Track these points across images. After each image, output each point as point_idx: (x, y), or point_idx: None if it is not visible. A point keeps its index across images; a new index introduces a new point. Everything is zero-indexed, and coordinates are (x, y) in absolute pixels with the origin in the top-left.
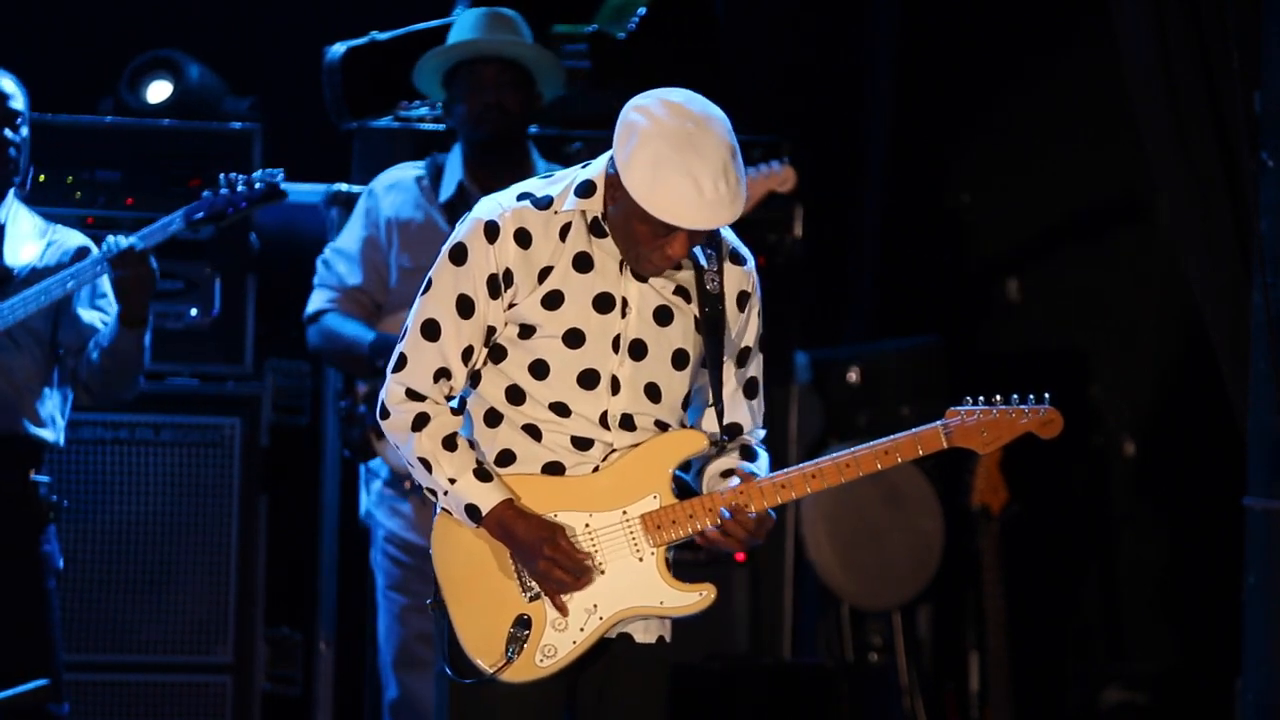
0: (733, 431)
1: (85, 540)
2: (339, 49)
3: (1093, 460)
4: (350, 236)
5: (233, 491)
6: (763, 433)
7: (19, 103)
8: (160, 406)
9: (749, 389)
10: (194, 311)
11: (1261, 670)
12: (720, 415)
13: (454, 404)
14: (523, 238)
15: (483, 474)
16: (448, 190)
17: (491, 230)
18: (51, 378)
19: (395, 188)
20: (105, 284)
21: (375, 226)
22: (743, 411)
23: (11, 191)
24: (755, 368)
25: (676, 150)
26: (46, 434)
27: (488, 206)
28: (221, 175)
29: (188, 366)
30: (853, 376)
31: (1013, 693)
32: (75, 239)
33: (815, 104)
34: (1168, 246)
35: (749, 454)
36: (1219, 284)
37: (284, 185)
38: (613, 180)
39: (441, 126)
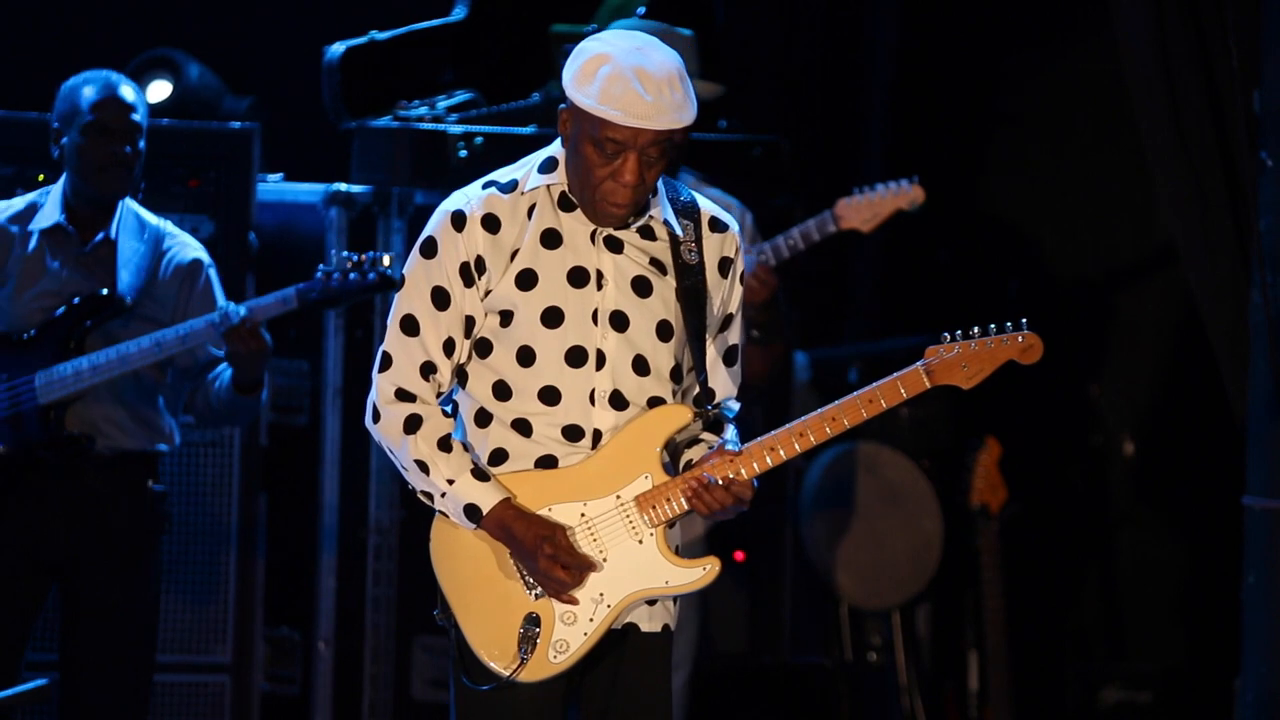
0: (707, 399)
1: None
2: (338, 49)
3: (1093, 460)
4: None
5: (233, 491)
6: (736, 406)
7: (139, 115)
8: None
9: (729, 356)
10: None
11: (1261, 670)
12: (703, 386)
13: (446, 407)
14: (490, 224)
15: (480, 474)
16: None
17: (459, 220)
18: (165, 381)
19: None
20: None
21: None
22: (720, 379)
23: (124, 200)
24: (736, 334)
25: (624, 58)
26: (162, 445)
27: (455, 198)
28: (333, 254)
29: None
30: (853, 376)
31: (1012, 692)
32: (189, 252)
33: (815, 104)
34: (1168, 246)
35: (715, 426)
36: (1219, 284)
37: (284, 184)
38: (564, 119)
39: (441, 126)
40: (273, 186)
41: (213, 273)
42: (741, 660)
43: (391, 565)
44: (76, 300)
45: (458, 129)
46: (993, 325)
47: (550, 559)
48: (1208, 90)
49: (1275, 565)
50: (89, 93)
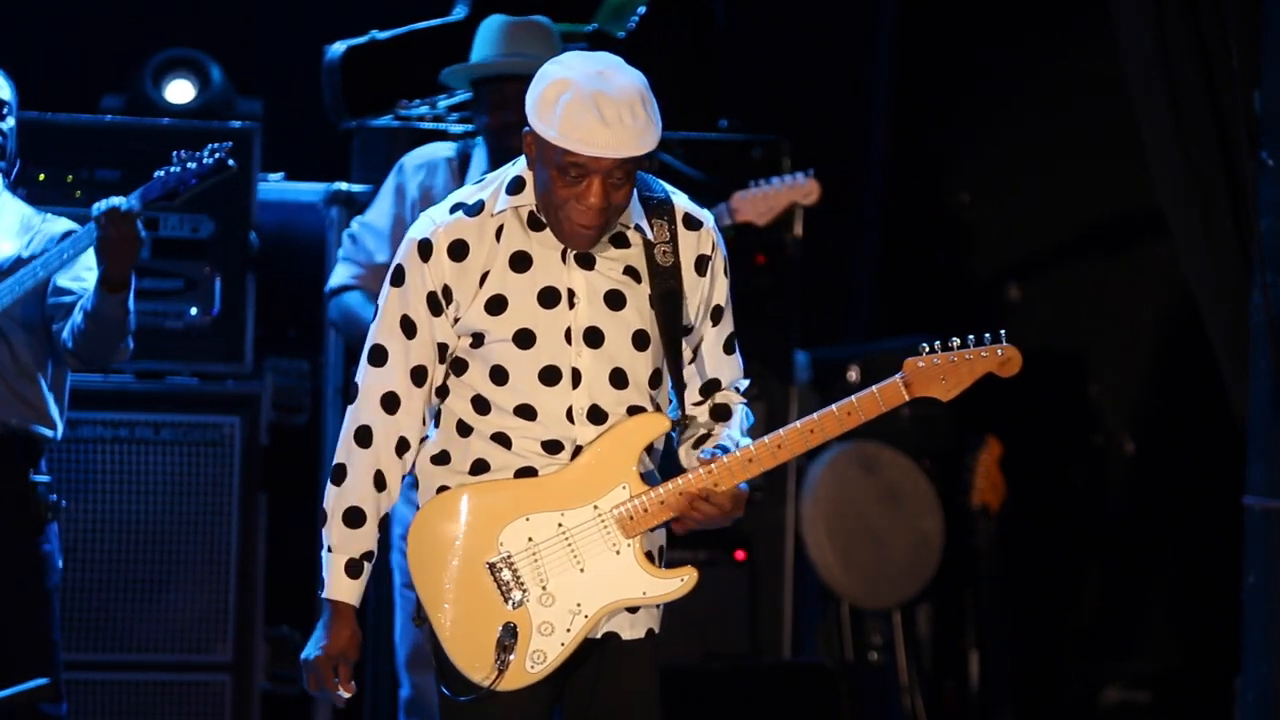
0: (712, 388)
1: (85, 539)
2: (339, 48)
3: (1093, 460)
4: (380, 212)
5: (233, 491)
6: (745, 383)
7: (5, 93)
8: (160, 406)
9: (728, 345)
10: (194, 311)
11: (1261, 670)
12: (681, 392)
13: (433, 424)
14: (457, 251)
15: (354, 570)
16: (472, 179)
17: (425, 248)
18: (46, 367)
19: (425, 166)
20: (85, 257)
21: (403, 204)
22: (724, 367)
23: (0, 182)
24: (730, 324)
25: (584, 84)
26: (44, 429)
27: (422, 224)
28: (174, 153)
29: (188, 366)
30: (853, 376)
31: (1012, 692)
32: (60, 225)
33: (815, 104)
34: (1168, 246)
35: (723, 412)
36: (1219, 284)
37: (285, 183)
38: (528, 143)
39: (442, 125)
40: (273, 186)
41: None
42: (741, 660)
43: None
44: None
45: (459, 128)
46: (971, 337)
47: (316, 671)
48: (1208, 90)
49: (1276, 565)
50: None
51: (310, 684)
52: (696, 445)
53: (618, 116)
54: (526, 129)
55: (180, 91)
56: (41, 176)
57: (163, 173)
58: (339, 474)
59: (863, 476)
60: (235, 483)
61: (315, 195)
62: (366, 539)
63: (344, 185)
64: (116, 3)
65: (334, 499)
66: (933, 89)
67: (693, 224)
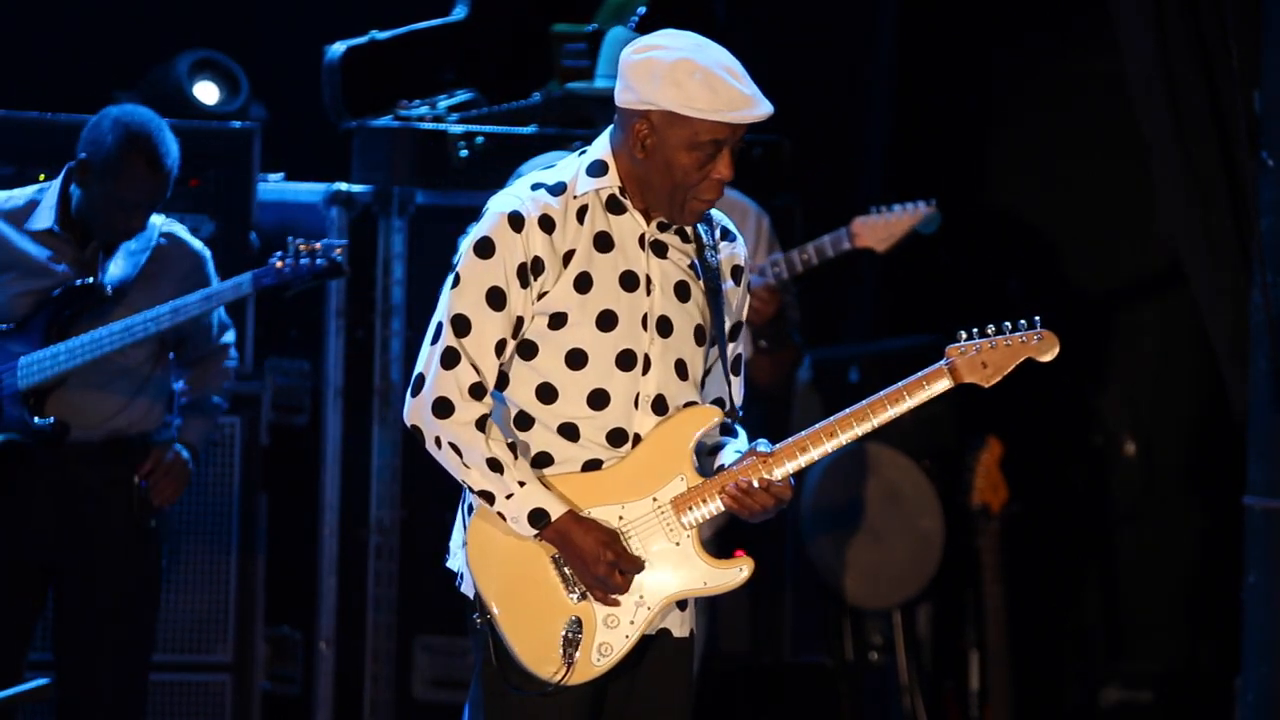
0: (720, 407)
1: None
2: (339, 48)
3: (1093, 460)
4: None
5: (233, 491)
6: (739, 415)
7: (167, 187)
8: None
9: (735, 366)
10: None
11: (1261, 670)
12: (729, 386)
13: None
14: (546, 224)
15: (546, 482)
16: None
17: (516, 220)
18: (155, 371)
19: None
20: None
21: None
22: (729, 389)
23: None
24: (743, 345)
25: (701, 57)
26: (152, 435)
27: (506, 200)
28: (290, 240)
29: None
30: (853, 376)
31: (1013, 692)
32: (183, 245)
33: (815, 104)
34: (1168, 246)
35: (729, 432)
36: (1219, 284)
37: (285, 183)
38: (639, 130)
39: (442, 126)
40: (273, 186)
41: (209, 265)
42: (742, 660)
43: (392, 565)
44: (57, 291)
45: (459, 128)
46: (1007, 324)
47: (611, 565)
48: (1208, 90)
49: (1276, 565)
50: (124, 160)
51: (613, 594)
52: (709, 453)
53: (746, 78)
54: (639, 117)
55: (205, 93)
56: (42, 176)
57: (277, 261)
58: (483, 423)
59: (863, 476)
60: (235, 483)
61: (315, 195)
62: (525, 461)
63: (344, 185)
64: (118, 3)
65: (493, 444)
66: (933, 89)
67: (729, 236)
